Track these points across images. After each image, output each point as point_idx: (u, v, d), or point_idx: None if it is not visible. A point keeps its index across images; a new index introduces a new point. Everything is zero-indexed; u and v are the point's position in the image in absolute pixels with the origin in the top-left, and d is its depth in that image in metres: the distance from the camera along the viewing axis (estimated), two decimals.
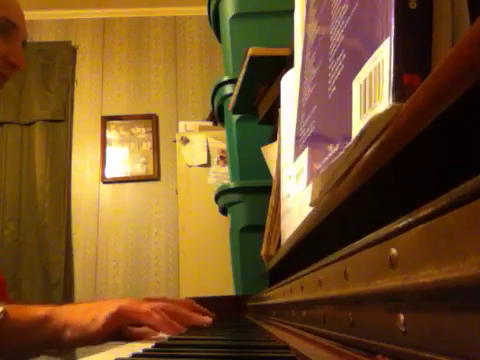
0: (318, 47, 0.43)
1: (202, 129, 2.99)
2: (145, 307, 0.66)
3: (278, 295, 0.69)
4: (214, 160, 2.80)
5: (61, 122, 3.37)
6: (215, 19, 1.68)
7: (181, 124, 3.24)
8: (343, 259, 0.32)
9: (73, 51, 3.53)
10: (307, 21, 0.51)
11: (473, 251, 0.15)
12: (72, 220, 3.27)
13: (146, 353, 0.44)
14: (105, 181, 3.34)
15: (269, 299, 0.80)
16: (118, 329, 0.67)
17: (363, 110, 0.29)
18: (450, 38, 0.24)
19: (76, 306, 0.72)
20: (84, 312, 0.67)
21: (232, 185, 1.47)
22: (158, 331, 0.66)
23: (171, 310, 0.71)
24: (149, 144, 3.41)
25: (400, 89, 0.24)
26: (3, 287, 0.95)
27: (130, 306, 0.66)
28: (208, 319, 0.77)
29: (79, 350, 0.80)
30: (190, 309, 0.82)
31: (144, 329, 0.68)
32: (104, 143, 3.40)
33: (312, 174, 0.41)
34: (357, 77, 0.30)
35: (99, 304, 0.69)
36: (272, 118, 1.22)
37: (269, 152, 1.04)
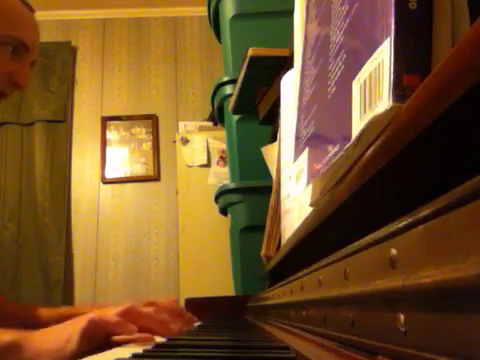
0: (318, 47, 0.43)
1: (202, 129, 2.99)
2: (114, 316, 0.60)
3: (278, 295, 0.69)
4: (214, 160, 2.81)
5: (61, 122, 3.37)
6: (215, 19, 1.68)
7: (181, 124, 3.24)
8: (343, 259, 0.32)
9: (73, 51, 3.53)
10: (307, 21, 0.51)
11: (473, 251, 0.15)
12: (72, 220, 3.27)
13: (146, 353, 0.44)
14: (105, 181, 3.34)
15: (269, 299, 0.80)
16: (97, 344, 0.59)
17: (363, 110, 0.28)
18: (450, 38, 0.24)
19: (48, 330, 0.64)
20: (58, 333, 0.60)
21: (232, 185, 1.47)
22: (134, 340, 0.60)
23: (144, 314, 0.65)
24: (149, 144, 3.41)
25: (400, 89, 0.24)
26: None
27: (100, 318, 0.60)
28: (173, 330, 0.68)
29: None
30: (172, 312, 0.78)
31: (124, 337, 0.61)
32: (104, 143, 3.40)
33: (312, 174, 0.41)
34: (357, 77, 0.30)
35: (72, 322, 0.62)
36: (272, 118, 1.22)
37: (269, 152, 1.04)
